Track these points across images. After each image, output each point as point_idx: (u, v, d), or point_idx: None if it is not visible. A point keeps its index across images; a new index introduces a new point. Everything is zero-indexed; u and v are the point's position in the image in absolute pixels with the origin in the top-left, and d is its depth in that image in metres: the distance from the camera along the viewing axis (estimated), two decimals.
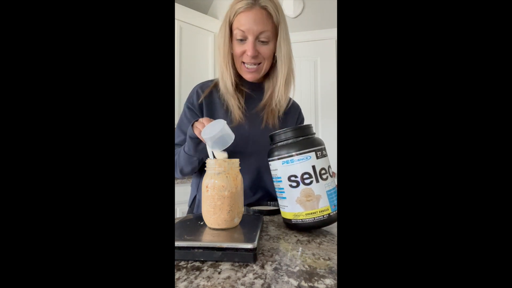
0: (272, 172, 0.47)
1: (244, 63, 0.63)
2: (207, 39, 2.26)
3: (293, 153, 0.43)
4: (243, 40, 0.60)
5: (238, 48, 0.61)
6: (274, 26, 0.60)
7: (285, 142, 0.45)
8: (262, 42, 0.60)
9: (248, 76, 0.65)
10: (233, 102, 0.65)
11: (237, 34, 0.59)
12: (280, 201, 0.46)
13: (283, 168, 0.44)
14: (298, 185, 0.42)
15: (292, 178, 0.43)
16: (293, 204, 0.43)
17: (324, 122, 1.85)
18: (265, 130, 0.66)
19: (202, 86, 0.72)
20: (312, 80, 1.94)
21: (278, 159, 0.44)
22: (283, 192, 0.45)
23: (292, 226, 0.45)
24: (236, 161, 0.41)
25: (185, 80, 2.10)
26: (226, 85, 0.65)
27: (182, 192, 1.81)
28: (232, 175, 0.39)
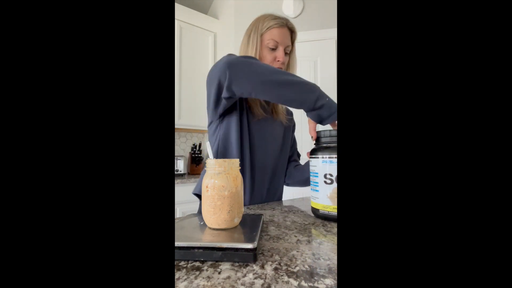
0: (311, 167, 0.56)
1: None
2: (207, 39, 2.26)
3: (334, 156, 0.50)
4: (274, 49, 0.75)
5: (269, 55, 0.75)
6: (292, 43, 0.80)
7: (328, 144, 0.54)
8: (286, 53, 0.77)
9: None
10: (256, 101, 0.77)
11: (269, 43, 0.74)
12: (312, 193, 0.55)
13: (322, 166, 0.52)
14: (332, 182, 0.50)
15: (328, 176, 0.51)
16: (324, 198, 0.51)
17: None
18: (280, 124, 0.84)
19: None
20: (312, 79, 1.94)
21: (321, 158, 0.53)
22: (317, 186, 0.53)
23: (320, 215, 0.53)
24: (236, 161, 0.41)
25: (185, 80, 2.10)
26: None
27: (182, 192, 1.81)
28: (232, 175, 0.39)
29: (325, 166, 0.51)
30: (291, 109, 0.97)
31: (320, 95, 0.56)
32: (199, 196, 0.72)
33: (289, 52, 0.80)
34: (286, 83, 0.55)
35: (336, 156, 0.50)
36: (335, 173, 0.50)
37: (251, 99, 0.76)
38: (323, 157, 0.52)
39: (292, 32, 0.78)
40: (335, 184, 0.50)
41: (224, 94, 0.61)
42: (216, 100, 0.65)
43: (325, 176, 0.51)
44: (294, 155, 0.93)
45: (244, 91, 0.58)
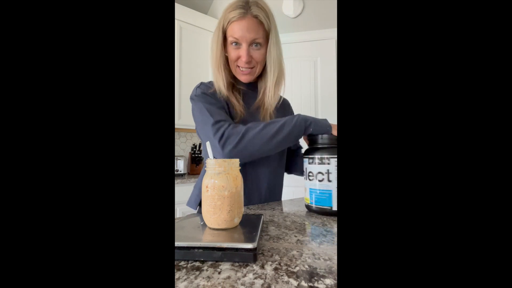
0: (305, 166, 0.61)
1: (238, 66, 0.70)
2: (207, 39, 2.26)
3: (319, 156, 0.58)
4: (237, 44, 0.66)
5: (233, 53, 0.67)
6: (265, 33, 0.67)
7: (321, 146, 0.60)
8: (255, 48, 0.67)
9: (242, 78, 0.72)
10: (233, 100, 0.71)
11: (231, 39, 0.66)
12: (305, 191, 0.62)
13: (309, 166, 0.59)
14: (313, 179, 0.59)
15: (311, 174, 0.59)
16: (307, 192, 0.60)
17: None
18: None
19: (207, 84, 0.74)
20: (312, 79, 1.94)
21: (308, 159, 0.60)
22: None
23: (309, 208, 0.60)
24: (236, 161, 0.41)
25: (185, 80, 2.10)
26: (220, 86, 0.70)
27: (182, 192, 1.81)
28: (232, 175, 0.39)
29: (310, 167, 0.59)
30: (287, 100, 0.92)
31: (302, 119, 0.63)
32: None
33: (262, 45, 0.67)
34: (278, 139, 0.61)
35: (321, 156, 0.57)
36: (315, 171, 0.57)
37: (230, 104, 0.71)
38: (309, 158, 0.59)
39: (260, 20, 0.63)
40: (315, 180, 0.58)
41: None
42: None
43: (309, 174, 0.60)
44: (298, 149, 0.93)
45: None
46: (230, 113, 0.70)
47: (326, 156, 0.57)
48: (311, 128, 0.63)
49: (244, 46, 0.65)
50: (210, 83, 0.74)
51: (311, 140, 0.63)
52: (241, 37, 0.64)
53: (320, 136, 0.61)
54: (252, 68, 0.70)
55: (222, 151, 0.60)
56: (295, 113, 0.89)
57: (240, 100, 0.72)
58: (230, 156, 0.60)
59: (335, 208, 0.55)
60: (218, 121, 0.62)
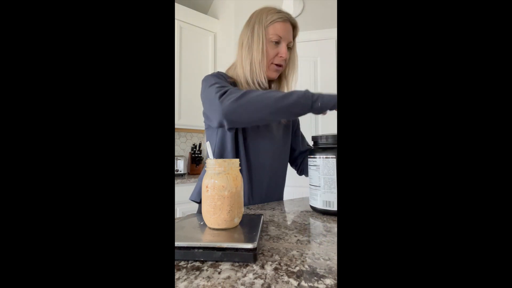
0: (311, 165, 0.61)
1: (272, 63, 0.75)
2: (207, 39, 2.26)
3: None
4: (277, 43, 0.73)
5: (271, 50, 0.74)
6: (293, 39, 0.78)
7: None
8: (288, 48, 0.76)
9: (274, 75, 0.78)
10: None
11: (273, 37, 0.72)
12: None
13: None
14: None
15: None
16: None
17: (324, 122, 1.85)
18: (278, 124, 0.83)
19: (222, 74, 0.77)
20: (312, 79, 1.94)
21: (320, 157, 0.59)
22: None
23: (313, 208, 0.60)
24: (236, 161, 0.41)
25: (185, 80, 2.10)
26: (259, 80, 0.74)
27: (182, 192, 1.81)
28: (232, 175, 0.39)
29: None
30: None
31: (310, 94, 0.62)
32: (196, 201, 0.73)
33: (291, 48, 0.78)
34: (281, 104, 0.60)
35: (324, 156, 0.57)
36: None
37: None
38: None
39: (294, 27, 0.77)
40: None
41: (228, 129, 0.66)
42: (217, 126, 0.66)
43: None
44: (307, 151, 0.93)
45: (248, 125, 0.67)
46: None
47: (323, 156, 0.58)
48: (319, 103, 0.60)
49: (283, 44, 0.73)
50: (225, 74, 0.77)
51: (314, 141, 0.63)
52: (284, 36, 0.73)
53: (319, 136, 0.61)
54: (282, 66, 0.77)
55: (220, 105, 0.59)
56: None
57: None
58: (228, 110, 0.59)
59: (328, 207, 0.55)
60: (223, 86, 0.64)
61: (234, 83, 0.75)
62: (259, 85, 0.75)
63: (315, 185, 0.58)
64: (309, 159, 0.61)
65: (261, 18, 0.74)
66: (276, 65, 0.76)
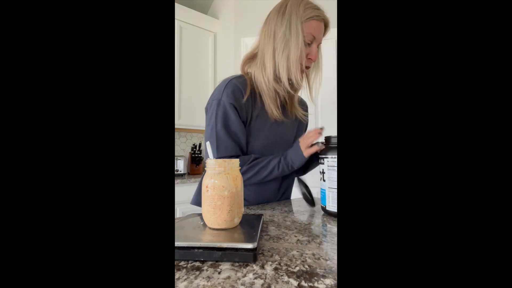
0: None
1: (301, 64, 0.67)
2: (207, 39, 2.26)
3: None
4: (309, 44, 0.65)
5: (304, 49, 0.65)
6: None
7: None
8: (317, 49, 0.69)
9: (301, 75, 0.70)
10: (273, 101, 0.70)
11: (307, 36, 0.64)
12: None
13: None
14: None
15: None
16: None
17: (324, 122, 1.85)
18: (291, 125, 0.79)
19: (241, 83, 0.68)
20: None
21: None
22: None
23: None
24: (236, 161, 0.41)
25: (185, 80, 2.10)
26: (294, 79, 0.67)
27: (182, 192, 1.81)
28: (232, 175, 0.39)
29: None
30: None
31: (277, 159, 0.66)
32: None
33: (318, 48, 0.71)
34: (270, 178, 0.66)
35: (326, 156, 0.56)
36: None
37: (266, 98, 0.70)
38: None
39: (325, 27, 0.68)
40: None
41: None
42: None
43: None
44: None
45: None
46: (254, 110, 0.69)
47: (322, 156, 0.58)
48: (295, 166, 0.65)
49: (315, 45, 0.66)
50: (244, 81, 0.68)
51: (326, 140, 0.61)
52: (317, 37, 0.65)
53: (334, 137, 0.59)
54: (309, 68, 0.71)
55: None
56: None
57: (278, 102, 0.72)
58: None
59: (328, 207, 0.55)
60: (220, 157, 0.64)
61: (244, 100, 0.66)
62: (292, 84, 0.69)
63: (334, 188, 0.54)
64: (327, 160, 0.56)
65: (298, 11, 0.63)
66: (305, 67, 0.68)
